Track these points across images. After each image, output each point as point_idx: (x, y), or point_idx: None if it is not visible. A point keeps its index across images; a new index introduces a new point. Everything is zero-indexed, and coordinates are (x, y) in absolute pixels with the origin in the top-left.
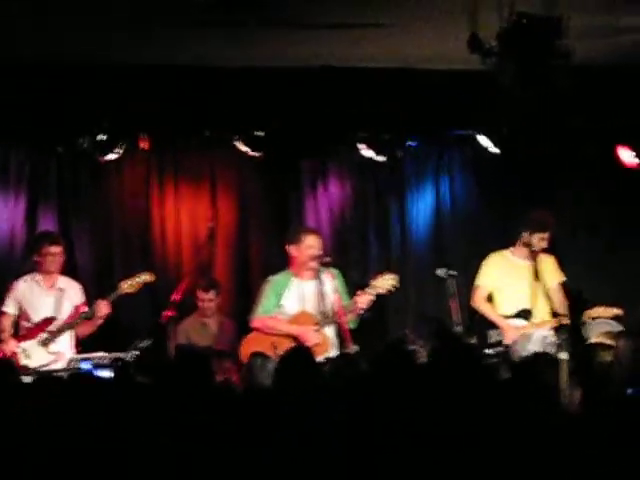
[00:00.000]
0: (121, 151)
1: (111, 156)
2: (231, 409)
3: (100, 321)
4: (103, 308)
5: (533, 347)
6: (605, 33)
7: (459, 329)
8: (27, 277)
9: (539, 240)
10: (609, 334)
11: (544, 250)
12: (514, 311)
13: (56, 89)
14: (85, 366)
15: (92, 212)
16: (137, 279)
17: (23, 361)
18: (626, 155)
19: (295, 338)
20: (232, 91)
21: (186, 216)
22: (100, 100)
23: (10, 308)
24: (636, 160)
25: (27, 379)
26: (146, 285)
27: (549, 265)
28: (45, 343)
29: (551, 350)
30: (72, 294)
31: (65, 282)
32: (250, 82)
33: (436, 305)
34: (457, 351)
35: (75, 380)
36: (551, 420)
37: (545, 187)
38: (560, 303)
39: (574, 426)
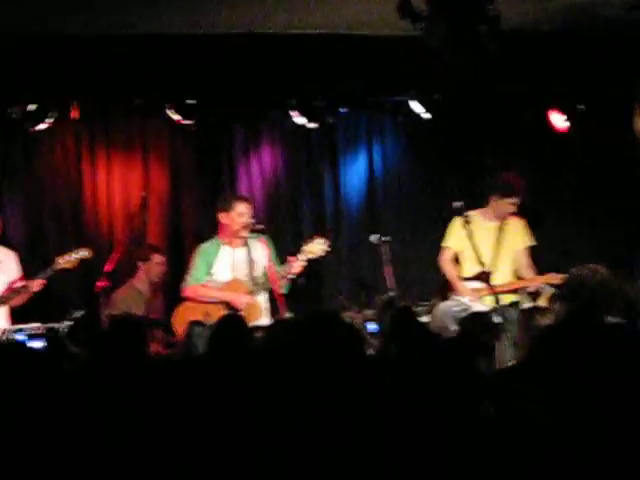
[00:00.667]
0: (51, 120)
1: (41, 126)
2: (166, 378)
3: (32, 294)
4: (36, 285)
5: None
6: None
7: (392, 294)
8: None
9: (508, 205)
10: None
11: (514, 214)
12: (474, 273)
13: None
14: (19, 337)
15: (23, 183)
16: (74, 255)
17: None
18: (558, 119)
19: (227, 305)
20: (163, 58)
21: (118, 185)
22: (29, 69)
23: None
24: (567, 124)
25: None
26: (83, 261)
27: (518, 228)
28: None
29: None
30: (7, 265)
31: (1, 253)
32: (182, 49)
33: (370, 271)
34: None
35: (6, 350)
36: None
37: (476, 153)
38: (525, 267)
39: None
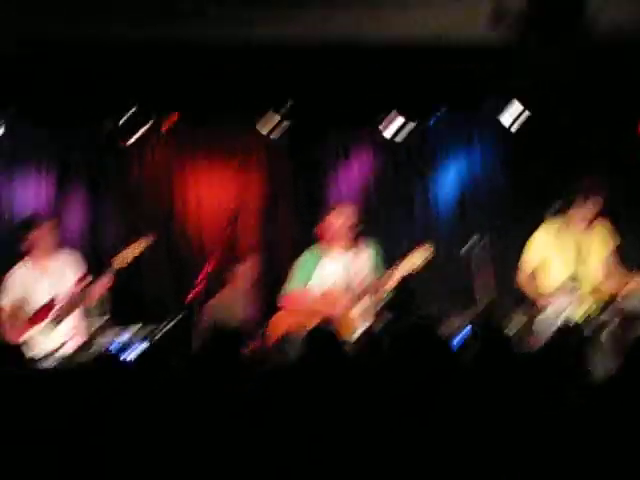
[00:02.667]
0: (144, 132)
1: (135, 136)
2: (259, 387)
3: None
4: (97, 292)
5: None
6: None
7: (486, 302)
8: (21, 264)
9: (591, 207)
10: None
11: (597, 217)
12: (559, 284)
13: (83, 70)
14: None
15: (117, 193)
16: (130, 251)
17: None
18: None
19: (322, 316)
20: (257, 70)
21: (211, 196)
22: (123, 81)
23: (5, 300)
24: None
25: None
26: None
27: (603, 232)
28: (51, 327)
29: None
30: (70, 269)
31: (61, 258)
32: (276, 61)
33: (465, 279)
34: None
35: (100, 364)
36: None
37: (571, 159)
38: (609, 273)
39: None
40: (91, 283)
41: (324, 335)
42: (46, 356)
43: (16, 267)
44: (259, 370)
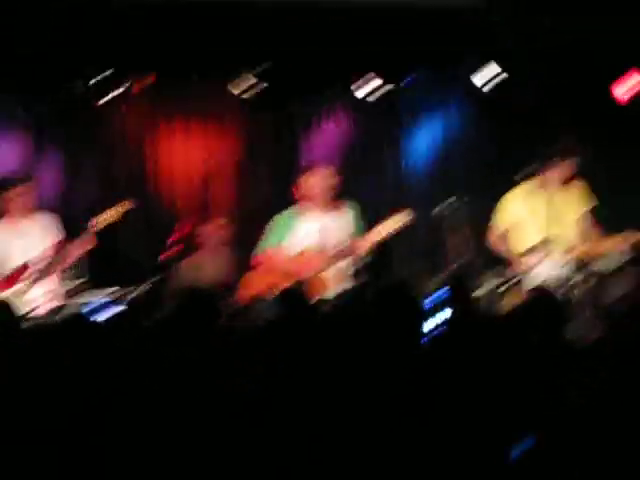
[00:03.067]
0: (119, 93)
1: (110, 96)
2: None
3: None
4: (73, 253)
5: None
6: None
7: (459, 264)
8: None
9: (566, 168)
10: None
11: (571, 178)
12: (533, 244)
13: (58, 28)
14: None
15: (92, 152)
16: (110, 214)
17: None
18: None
19: (295, 276)
20: (230, 27)
21: (184, 156)
22: (100, 40)
23: None
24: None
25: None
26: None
27: (577, 192)
28: (24, 290)
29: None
30: (48, 230)
31: (38, 219)
32: (250, 18)
33: (442, 238)
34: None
35: (70, 324)
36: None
37: (549, 118)
38: (584, 234)
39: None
40: (67, 246)
41: (295, 296)
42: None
43: None
44: (230, 331)
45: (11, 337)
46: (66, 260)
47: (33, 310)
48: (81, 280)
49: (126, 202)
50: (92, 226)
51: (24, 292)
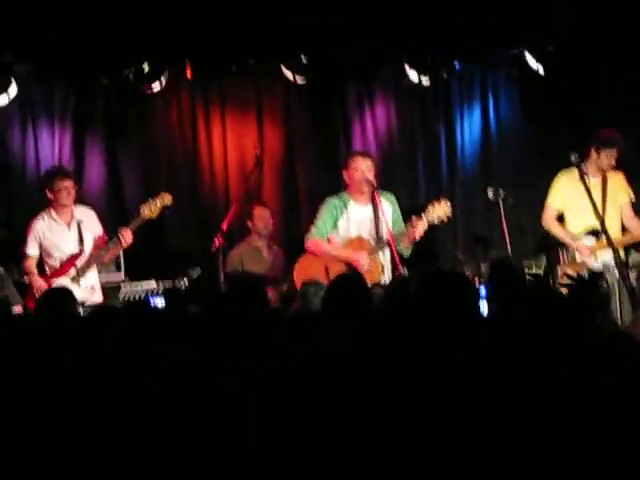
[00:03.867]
0: (166, 81)
1: (156, 85)
2: (282, 335)
3: (121, 249)
4: (127, 236)
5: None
6: None
7: (509, 249)
8: (44, 214)
9: (607, 157)
10: None
11: (613, 167)
12: (583, 229)
13: (98, 20)
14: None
15: (139, 143)
16: (157, 202)
17: None
18: None
19: (348, 263)
20: (275, 16)
21: (233, 144)
22: (143, 29)
23: (32, 250)
24: None
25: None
26: (166, 208)
27: (619, 182)
28: (75, 279)
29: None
30: (90, 223)
31: (81, 212)
32: (293, 7)
33: (486, 227)
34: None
35: (132, 310)
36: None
37: (592, 105)
38: (630, 220)
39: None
40: (113, 238)
41: (352, 281)
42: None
43: (39, 217)
44: (284, 316)
45: (71, 322)
46: (111, 253)
47: (86, 300)
48: (121, 272)
49: (165, 195)
50: (139, 216)
51: (75, 282)
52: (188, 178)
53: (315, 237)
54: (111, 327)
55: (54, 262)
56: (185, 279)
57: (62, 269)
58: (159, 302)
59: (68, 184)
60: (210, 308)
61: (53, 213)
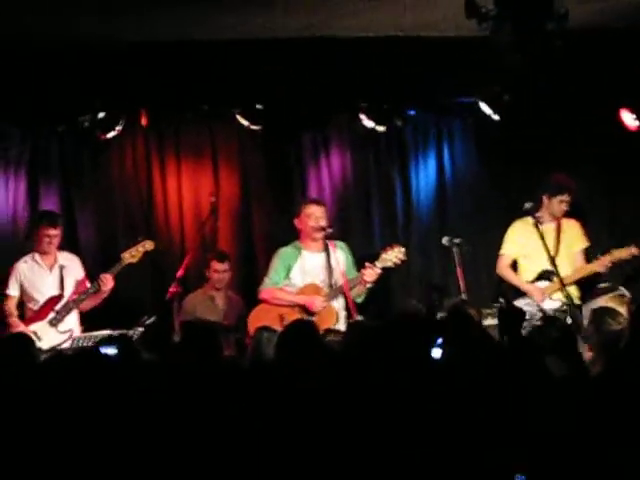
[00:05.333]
0: (121, 128)
1: (112, 133)
2: (237, 384)
3: (105, 295)
4: (108, 282)
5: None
6: None
7: (464, 296)
8: (27, 258)
9: (559, 203)
10: (617, 299)
11: (568, 214)
12: (537, 274)
13: (55, 68)
14: (90, 344)
15: (94, 190)
16: (138, 248)
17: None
18: (628, 118)
19: (303, 309)
20: (230, 64)
21: (188, 191)
22: (98, 77)
23: (13, 291)
24: (637, 122)
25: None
26: (147, 253)
27: (574, 230)
28: (54, 323)
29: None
30: (73, 269)
31: (65, 258)
32: (249, 54)
33: (441, 274)
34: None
35: (82, 357)
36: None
37: (547, 152)
38: (579, 269)
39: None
40: (94, 284)
41: (304, 327)
42: (47, 351)
43: (22, 259)
44: (238, 365)
45: (27, 370)
46: (88, 300)
47: (61, 344)
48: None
49: (148, 242)
50: (119, 264)
51: (52, 326)
52: (144, 225)
53: (268, 287)
54: (61, 374)
55: (34, 306)
56: (139, 327)
57: (41, 312)
58: (111, 350)
59: (51, 232)
60: (164, 356)
61: (37, 256)
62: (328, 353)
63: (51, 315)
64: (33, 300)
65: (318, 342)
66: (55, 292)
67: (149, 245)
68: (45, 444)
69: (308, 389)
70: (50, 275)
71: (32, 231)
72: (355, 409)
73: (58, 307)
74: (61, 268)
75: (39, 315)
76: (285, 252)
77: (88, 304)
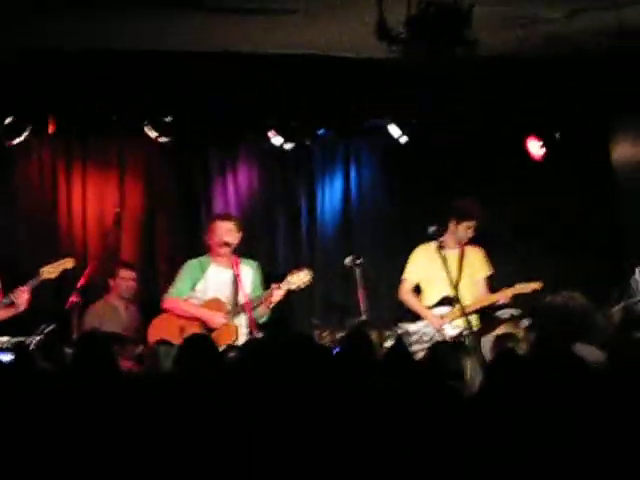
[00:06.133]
0: (27, 135)
1: (18, 140)
2: (131, 396)
3: (21, 308)
4: (22, 295)
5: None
6: (512, 24)
7: (365, 317)
8: None
9: (465, 229)
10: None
11: (472, 241)
12: (438, 300)
13: None
14: None
15: None
16: (59, 265)
17: None
18: (534, 147)
19: (203, 323)
20: (141, 75)
21: (93, 201)
22: (6, 83)
23: None
24: (542, 151)
25: None
26: (66, 271)
27: (477, 257)
28: None
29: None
30: None
31: None
32: (160, 67)
33: (343, 294)
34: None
35: None
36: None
37: (454, 176)
38: (484, 295)
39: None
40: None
41: (199, 344)
42: None
43: None
44: (133, 377)
45: None
46: (3, 309)
47: None
48: None
49: (68, 260)
50: (36, 279)
51: None
52: (47, 233)
53: (172, 296)
54: None
55: None
56: (37, 336)
57: None
58: (6, 357)
59: None
60: (59, 365)
61: None
62: (225, 368)
63: None
64: None
65: (215, 356)
66: None
67: (69, 263)
68: None
69: (204, 403)
70: None
71: None
72: (248, 424)
73: None
74: None
75: None
76: (193, 264)
77: (1, 315)
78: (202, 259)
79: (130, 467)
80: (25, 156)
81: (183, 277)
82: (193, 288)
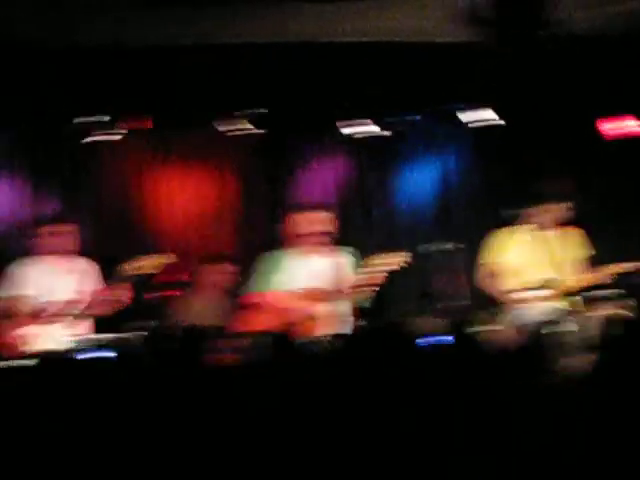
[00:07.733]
0: (122, 131)
1: (112, 137)
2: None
3: (124, 303)
4: (126, 291)
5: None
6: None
7: (466, 303)
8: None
9: (560, 210)
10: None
11: (569, 222)
12: (530, 286)
13: (61, 71)
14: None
15: (93, 194)
16: (159, 260)
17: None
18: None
19: (291, 314)
20: (231, 68)
21: (187, 195)
22: (101, 81)
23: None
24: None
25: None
26: (165, 265)
27: (575, 238)
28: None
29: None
30: (90, 276)
31: (83, 264)
32: (254, 58)
33: (441, 280)
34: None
35: (82, 361)
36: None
37: (539, 160)
38: (578, 279)
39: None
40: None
41: (283, 337)
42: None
43: (25, 262)
44: (223, 371)
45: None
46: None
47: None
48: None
49: (169, 254)
50: (127, 272)
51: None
52: (144, 229)
53: (256, 291)
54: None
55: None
56: (141, 332)
57: (34, 316)
58: (110, 354)
59: (49, 230)
60: (163, 359)
61: (41, 260)
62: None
63: (49, 321)
64: (30, 302)
65: (300, 349)
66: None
67: (169, 258)
68: None
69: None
70: (63, 278)
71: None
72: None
73: (59, 314)
74: (69, 273)
75: (32, 318)
76: (270, 258)
77: (101, 311)
78: (280, 252)
79: (235, 453)
80: (118, 153)
81: (262, 272)
82: (276, 280)
